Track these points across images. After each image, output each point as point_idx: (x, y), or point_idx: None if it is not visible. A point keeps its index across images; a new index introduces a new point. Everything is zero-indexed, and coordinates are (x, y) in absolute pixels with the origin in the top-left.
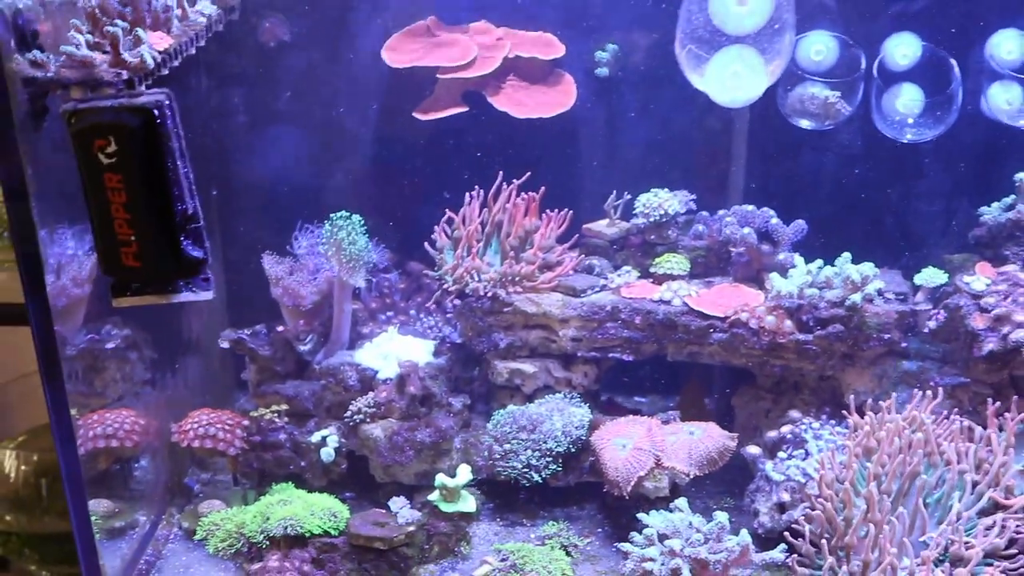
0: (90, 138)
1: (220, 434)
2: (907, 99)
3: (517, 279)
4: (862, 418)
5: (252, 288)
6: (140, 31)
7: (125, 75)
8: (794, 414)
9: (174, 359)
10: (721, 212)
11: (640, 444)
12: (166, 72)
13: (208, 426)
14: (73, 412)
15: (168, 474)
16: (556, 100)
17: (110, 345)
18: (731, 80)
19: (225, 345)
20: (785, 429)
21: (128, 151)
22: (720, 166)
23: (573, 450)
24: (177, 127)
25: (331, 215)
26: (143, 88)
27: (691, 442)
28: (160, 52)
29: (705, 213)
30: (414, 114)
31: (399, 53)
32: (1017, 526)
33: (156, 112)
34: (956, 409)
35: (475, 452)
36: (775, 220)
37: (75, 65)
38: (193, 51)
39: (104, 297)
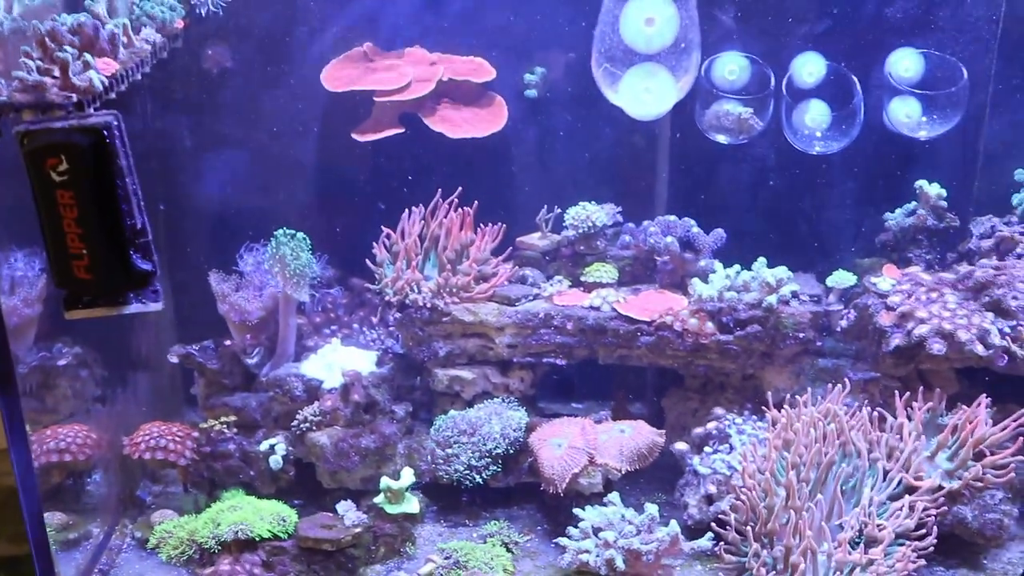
0: (43, 157)
1: (171, 445)
2: (815, 114)
3: (454, 290)
4: (780, 412)
5: (200, 305)
6: (88, 57)
7: (75, 98)
8: (718, 411)
9: (124, 375)
10: (646, 223)
11: (574, 443)
12: (113, 96)
13: (159, 438)
14: (26, 428)
15: (120, 486)
16: (488, 120)
17: (61, 362)
18: (643, 95)
19: (174, 360)
20: (711, 425)
21: (79, 169)
22: (644, 179)
23: (511, 451)
24: (125, 146)
25: (275, 232)
26: (92, 111)
27: (622, 439)
28: (107, 77)
29: (631, 224)
30: (353, 135)
31: (338, 78)
32: (925, 508)
33: (105, 132)
34: (868, 402)
35: (418, 457)
36: (696, 229)
37: (27, 89)
38: (139, 76)
39: (55, 316)
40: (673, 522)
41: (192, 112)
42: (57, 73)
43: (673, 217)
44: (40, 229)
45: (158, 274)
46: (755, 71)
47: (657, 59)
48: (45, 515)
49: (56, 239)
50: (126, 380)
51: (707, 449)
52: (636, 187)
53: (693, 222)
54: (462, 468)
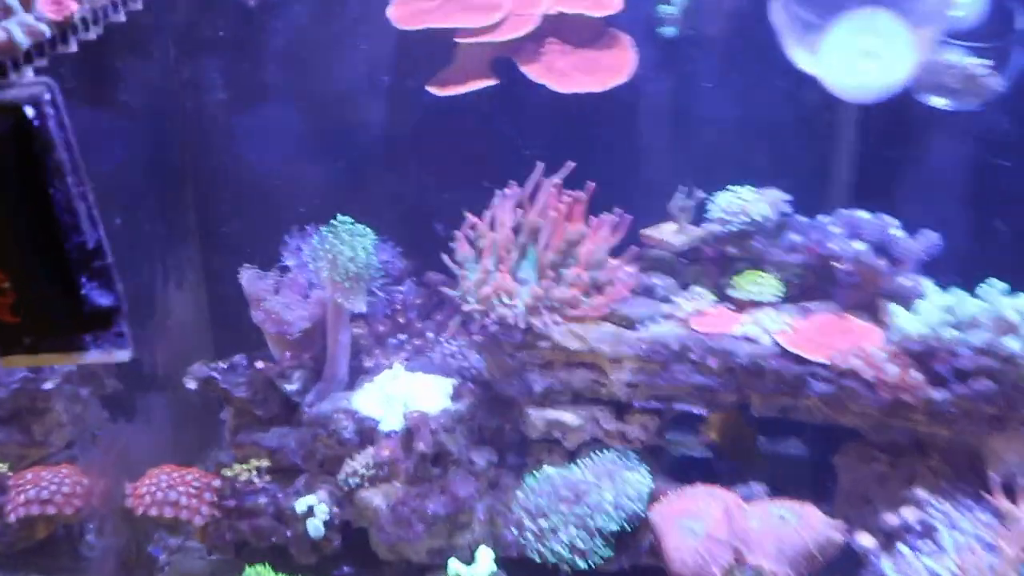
0: None
1: (183, 500)
2: None
3: (557, 304)
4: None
5: (237, 302)
6: None
7: None
8: (920, 493)
9: (140, 394)
10: (824, 219)
11: (715, 530)
12: (74, 48)
13: (168, 489)
14: (3, 467)
15: (127, 540)
16: (609, 69)
17: (48, 385)
18: (860, 61)
19: (191, 385)
20: (908, 513)
21: None
22: (824, 157)
23: (628, 528)
24: (66, 131)
25: (329, 222)
26: (18, 77)
27: (782, 530)
28: (59, 22)
29: (802, 219)
30: (429, 88)
31: (410, 13)
32: None
33: (32, 111)
34: None
35: (503, 523)
36: (898, 232)
37: None
38: (123, 17)
39: None
40: None
41: (226, 58)
42: None
43: (865, 213)
44: None
45: (124, 311)
46: (992, 7)
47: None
48: None
49: None
50: (140, 402)
51: (902, 548)
52: (811, 167)
53: (895, 222)
54: (561, 549)
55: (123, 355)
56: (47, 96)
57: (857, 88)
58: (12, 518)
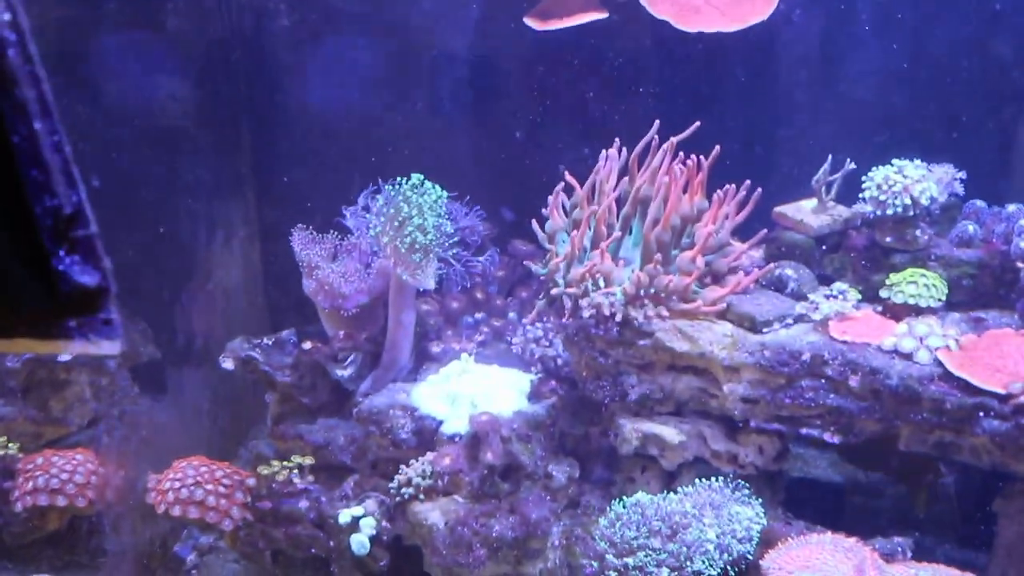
0: None
1: (210, 500)
2: None
3: (664, 295)
4: None
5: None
6: None
7: None
8: None
9: (174, 368)
10: (1012, 207)
11: None
12: None
13: (195, 487)
14: (12, 448)
15: (149, 536)
16: (745, 4)
17: (65, 357)
18: None
19: (228, 366)
20: None
21: None
22: (1014, 128)
23: (733, 574)
24: (32, 63)
25: (396, 180)
26: None
27: None
28: None
29: (979, 203)
30: (526, 21)
31: None
32: None
33: None
34: None
35: (582, 551)
36: None
37: None
38: None
39: None
40: None
41: None
42: None
43: None
44: None
45: (113, 291)
46: None
47: None
48: None
49: None
50: (178, 375)
51: None
52: (996, 140)
53: None
54: None
55: (112, 347)
56: (5, 16)
57: None
58: (19, 507)
